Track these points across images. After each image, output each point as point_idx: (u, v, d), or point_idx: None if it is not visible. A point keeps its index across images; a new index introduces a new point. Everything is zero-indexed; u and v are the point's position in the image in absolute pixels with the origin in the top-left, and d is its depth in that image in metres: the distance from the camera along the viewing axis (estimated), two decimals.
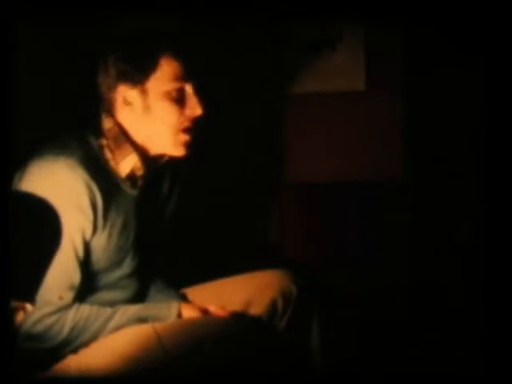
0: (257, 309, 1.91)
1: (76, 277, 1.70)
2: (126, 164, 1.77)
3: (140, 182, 1.80)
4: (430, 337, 2.41)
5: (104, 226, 1.72)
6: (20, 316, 1.35)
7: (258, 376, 1.76)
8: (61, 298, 1.69)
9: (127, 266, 1.81)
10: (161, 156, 1.82)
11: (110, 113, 1.76)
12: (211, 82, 1.87)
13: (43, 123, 2.01)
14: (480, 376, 1.73)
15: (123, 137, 1.76)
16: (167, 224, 1.96)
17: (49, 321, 1.68)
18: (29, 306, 1.36)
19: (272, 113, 2.49)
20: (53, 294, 1.67)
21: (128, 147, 1.76)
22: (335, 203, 2.51)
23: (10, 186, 1.65)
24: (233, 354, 1.70)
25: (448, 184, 2.47)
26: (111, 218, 1.74)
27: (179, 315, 1.79)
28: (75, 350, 1.70)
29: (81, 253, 1.70)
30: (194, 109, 1.76)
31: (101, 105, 1.78)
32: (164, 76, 1.73)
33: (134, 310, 1.77)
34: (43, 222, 1.34)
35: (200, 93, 1.77)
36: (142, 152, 1.78)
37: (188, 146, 1.78)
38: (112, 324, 1.72)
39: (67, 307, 1.69)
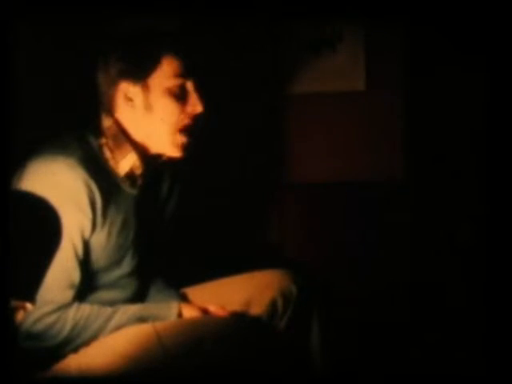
0: (257, 309, 1.91)
1: (76, 275, 1.70)
2: (126, 163, 1.77)
3: (139, 181, 1.80)
4: (430, 337, 2.41)
5: (103, 224, 1.72)
6: (20, 315, 1.35)
7: (258, 376, 1.76)
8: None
9: (127, 266, 1.82)
10: (160, 155, 1.82)
11: (110, 112, 1.77)
12: (211, 81, 1.87)
13: (43, 123, 2.01)
14: (480, 376, 1.73)
15: (122, 135, 1.76)
16: (167, 224, 1.96)
17: (49, 320, 1.68)
18: (29, 306, 1.36)
19: (272, 113, 2.49)
20: (53, 293, 1.67)
21: (127, 146, 1.76)
22: (335, 203, 2.51)
23: (10, 185, 1.65)
24: (233, 353, 1.70)
25: (448, 184, 2.47)
26: (110, 216, 1.74)
27: (179, 315, 1.79)
28: (76, 349, 1.70)
29: (80, 251, 1.70)
30: (195, 106, 1.76)
31: (101, 104, 1.78)
32: (166, 73, 1.73)
33: (134, 309, 1.77)
34: (43, 222, 1.34)
35: (200, 92, 1.77)
36: (141, 151, 1.78)
37: (185, 148, 1.79)
38: (112, 323, 1.72)
39: (67, 306, 1.70)
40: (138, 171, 1.79)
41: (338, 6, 2.18)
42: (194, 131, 1.79)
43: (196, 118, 1.78)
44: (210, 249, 2.44)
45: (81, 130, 1.77)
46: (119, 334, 1.71)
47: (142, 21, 1.90)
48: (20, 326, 1.65)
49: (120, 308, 1.76)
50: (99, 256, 1.75)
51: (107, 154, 1.76)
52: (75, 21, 2.07)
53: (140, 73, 1.72)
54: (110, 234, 1.75)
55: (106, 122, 1.77)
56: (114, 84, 1.75)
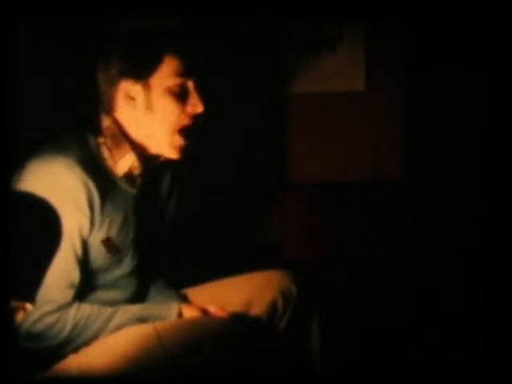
0: (257, 309, 1.91)
1: (75, 275, 1.70)
2: (124, 163, 1.77)
3: (139, 181, 1.80)
4: (430, 337, 2.41)
5: (101, 223, 1.72)
6: (20, 316, 1.35)
7: (257, 376, 1.76)
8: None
9: (127, 265, 1.81)
10: (158, 156, 1.82)
11: (109, 111, 1.77)
12: (211, 81, 1.87)
13: (43, 123, 2.01)
14: (480, 376, 1.73)
15: (121, 135, 1.76)
16: (167, 224, 1.96)
17: (49, 319, 1.68)
18: (29, 306, 1.36)
19: (272, 113, 2.49)
20: (53, 293, 1.67)
21: (126, 146, 1.76)
22: (335, 203, 2.51)
23: (10, 185, 1.65)
24: (233, 353, 1.70)
25: (448, 184, 2.47)
26: (109, 215, 1.74)
27: (180, 315, 1.79)
28: (76, 349, 1.70)
29: (80, 251, 1.70)
30: (196, 106, 1.76)
31: (100, 104, 1.78)
32: (166, 72, 1.73)
33: (134, 309, 1.77)
34: (43, 222, 1.34)
35: (201, 91, 1.77)
36: (139, 151, 1.78)
37: (183, 150, 1.79)
38: (113, 323, 1.73)
39: (67, 306, 1.70)
40: (137, 171, 1.79)
41: (338, 7, 2.18)
42: (192, 132, 1.79)
43: (195, 118, 1.78)
44: (210, 249, 2.44)
45: (81, 131, 1.77)
46: (119, 334, 1.71)
47: (142, 21, 1.90)
48: (20, 326, 1.65)
49: (120, 308, 1.76)
50: (99, 255, 1.75)
51: (105, 153, 1.76)
52: (75, 21, 2.07)
53: (141, 72, 1.73)
54: (109, 233, 1.75)
55: (105, 122, 1.77)
56: (114, 84, 1.75)
